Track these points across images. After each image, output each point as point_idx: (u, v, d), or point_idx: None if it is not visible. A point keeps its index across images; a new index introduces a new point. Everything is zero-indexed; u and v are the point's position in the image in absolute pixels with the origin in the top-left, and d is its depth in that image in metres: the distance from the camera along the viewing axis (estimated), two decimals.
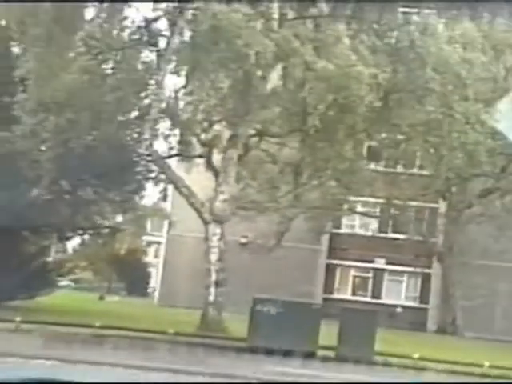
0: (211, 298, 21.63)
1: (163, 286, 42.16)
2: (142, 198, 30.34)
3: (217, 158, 24.14)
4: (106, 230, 30.89)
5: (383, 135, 27.50)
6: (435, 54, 20.47)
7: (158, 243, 49.00)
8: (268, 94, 22.12)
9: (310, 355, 18.86)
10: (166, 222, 41.80)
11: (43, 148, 24.38)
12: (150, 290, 56.92)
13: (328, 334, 19.57)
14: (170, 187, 37.72)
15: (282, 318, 19.49)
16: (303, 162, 24.48)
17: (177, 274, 40.32)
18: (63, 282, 52.95)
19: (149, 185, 31.53)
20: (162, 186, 31.38)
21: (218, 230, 21.94)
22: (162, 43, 22.78)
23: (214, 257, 21.74)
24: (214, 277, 21.69)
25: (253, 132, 24.04)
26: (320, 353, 19.42)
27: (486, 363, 18.88)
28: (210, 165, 24.12)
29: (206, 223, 22.15)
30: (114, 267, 54.82)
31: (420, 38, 20.54)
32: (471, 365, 18.92)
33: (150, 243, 62.76)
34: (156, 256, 58.28)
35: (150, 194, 35.54)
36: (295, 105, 21.96)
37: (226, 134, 23.95)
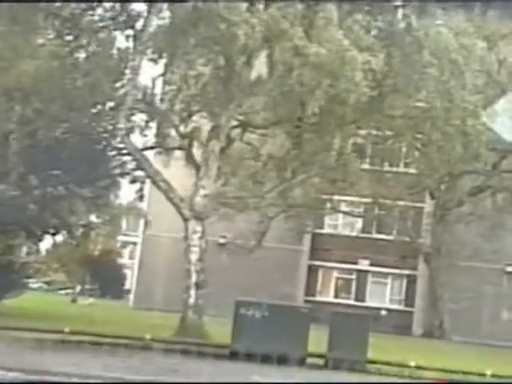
0: (191, 301, 20.04)
1: (139, 288, 40.52)
2: (116, 194, 28.71)
3: (197, 151, 22.49)
4: (79, 229, 29.05)
5: (371, 130, 26.10)
6: (433, 38, 19.06)
7: (134, 243, 47.30)
8: (253, 82, 20.60)
9: (298, 363, 17.38)
10: (141, 222, 40.15)
11: (8, 140, 22.58)
12: (125, 292, 55.29)
13: (317, 339, 18.07)
14: (147, 186, 36.47)
15: (268, 323, 17.98)
16: (289, 156, 22.93)
17: (153, 275, 38.72)
18: (35, 284, 51.33)
19: (124, 182, 29.98)
20: (137, 181, 29.91)
21: (199, 228, 20.35)
22: (139, 25, 21.04)
23: (194, 256, 20.15)
24: (194, 278, 20.10)
25: (236, 123, 22.44)
26: (309, 360, 17.90)
27: (488, 372, 17.51)
28: (190, 158, 22.50)
29: (185, 220, 20.56)
30: (88, 268, 53.26)
31: (417, 21, 19.12)
32: (472, 374, 17.51)
33: (125, 244, 61.18)
34: (131, 257, 57.06)
35: (126, 192, 34.02)
36: (282, 94, 20.39)
37: (207, 125, 22.36)
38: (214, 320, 21.32)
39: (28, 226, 26.88)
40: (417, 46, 18.91)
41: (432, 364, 17.89)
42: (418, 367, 17.62)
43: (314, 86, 18.75)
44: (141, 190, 31.38)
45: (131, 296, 43.29)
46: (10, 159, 22.64)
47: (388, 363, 17.98)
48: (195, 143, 22.34)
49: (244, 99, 20.92)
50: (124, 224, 44.55)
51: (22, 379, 11.75)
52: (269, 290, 34.98)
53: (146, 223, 37.33)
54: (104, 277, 55.12)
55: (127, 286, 57.31)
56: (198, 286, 20.17)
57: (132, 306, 39.31)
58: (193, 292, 20.07)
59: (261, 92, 20.61)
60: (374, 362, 17.92)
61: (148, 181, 35.64)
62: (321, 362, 18.02)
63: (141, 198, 32.95)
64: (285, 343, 17.56)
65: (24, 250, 34.06)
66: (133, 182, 29.14)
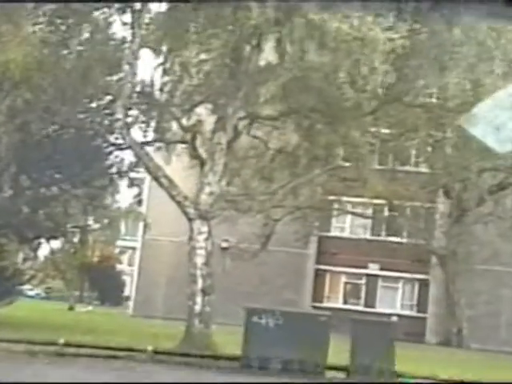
0: (197, 308, 18.19)
1: (138, 295, 38.67)
2: (113, 194, 26.93)
3: (202, 145, 20.69)
4: (76, 234, 27.21)
5: (380, 127, 24.33)
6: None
7: (133, 248, 45.53)
8: (262, 69, 18.81)
9: (317, 375, 15.63)
10: (140, 226, 38.34)
11: None
12: (124, 299, 53.71)
13: (337, 350, 16.31)
14: (145, 189, 34.82)
15: (283, 332, 16.22)
16: (299, 150, 21.14)
17: (153, 281, 36.86)
18: (31, 292, 49.64)
19: (122, 185, 28.33)
20: (135, 184, 28.26)
21: (205, 228, 18.54)
22: (137, 9, 19.25)
23: (199, 260, 18.33)
24: (200, 283, 18.27)
25: (243, 115, 20.64)
26: (330, 373, 16.13)
27: None
28: (194, 152, 20.67)
29: (189, 220, 18.75)
30: (87, 275, 51.89)
31: None
32: None
33: (124, 249, 59.53)
34: (130, 262, 55.56)
35: (124, 196, 32.32)
36: (294, 80, 18.60)
37: (211, 117, 20.58)
38: (220, 328, 19.57)
39: (20, 230, 25.08)
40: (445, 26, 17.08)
41: (466, 376, 16.10)
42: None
43: (330, 70, 16.97)
44: (139, 194, 29.79)
45: (130, 303, 41.45)
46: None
47: (417, 376, 16.18)
48: (199, 137, 20.51)
49: (253, 88, 19.07)
50: (123, 228, 42.80)
51: None
52: (273, 295, 33.39)
53: (146, 226, 35.49)
54: (102, 283, 53.78)
55: (126, 292, 55.76)
56: (204, 292, 18.35)
57: (131, 314, 37.50)
58: (199, 299, 18.25)
59: (271, 79, 18.76)
60: (401, 376, 16.14)
61: (147, 182, 34.62)
62: (342, 375, 16.26)
63: (139, 202, 31.36)
64: (302, 353, 15.83)
65: (21, 256, 32.33)
66: (131, 185, 27.54)
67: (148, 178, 38.06)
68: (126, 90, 19.51)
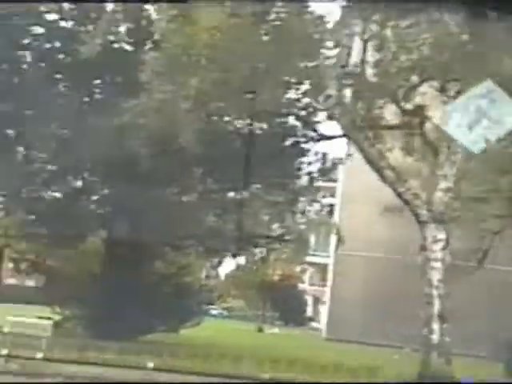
0: (434, 338, 14.00)
1: (331, 316, 34.97)
2: (314, 198, 22.91)
3: (431, 130, 16.45)
4: (262, 245, 23.54)
5: None
6: None
7: (317, 264, 42.25)
8: None
9: None
10: (332, 239, 34.53)
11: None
12: (306, 320, 50.59)
13: None
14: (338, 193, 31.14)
15: None
16: None
17: (347, 300, 33.06)
18: (214, 311, 47.49)
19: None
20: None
21: (442, 235, 14.37)
22: None
23: (436, 275, 14.25)
24: (437, 306, 14.09)
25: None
26: None
27: None
28: (424, 140, 16.47)
29: (421, 223, 14.65)
30: (268, 294, 49.07)
31: None
32: None
33: (306, 266, 56.44)
34: (312, 281, 52.75)
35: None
36: None
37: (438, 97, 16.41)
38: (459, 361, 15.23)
39: (205, 241, 21.97)
40: None
41: None
42: None
43: None
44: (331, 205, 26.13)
45: (321, 325, 38.57)
46: (179, 154, 17.87)
47: None
48: (426, 121, 16.36)
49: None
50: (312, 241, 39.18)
51: None
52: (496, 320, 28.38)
53: (339, 240, 31.55)
54: (284, 303, 50.77)
55: (308, 312, 52.79)
56: (441, 317, 14.15)
57: (325, 337, 33.84)
58: (436, 326, 14.07)
59: None
60: None
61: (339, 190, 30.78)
62: None
63: (330, 211, 27.69)
64: None
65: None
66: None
67: (340, 184, 34.88)
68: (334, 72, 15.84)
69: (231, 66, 16.39)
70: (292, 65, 18.09)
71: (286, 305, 50.84)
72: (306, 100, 19.36)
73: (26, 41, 20.42)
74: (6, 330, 16.65)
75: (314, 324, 44.89)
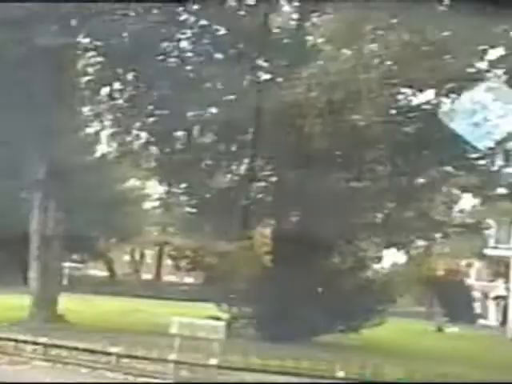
0: None
1: None
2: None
3: None
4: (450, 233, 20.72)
5: None
6: None
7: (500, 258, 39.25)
8: None
9: None
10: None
11: None
12: (476, 317, 47.60)
13: None
14: None
15: None
16: None
17: None
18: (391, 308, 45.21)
19: None
20: None
21: None
22: None
23: None
24: None
25: None
26: None
27: None
28: None
29: None
30: (433, 290, 46.54)
31: None
32: None
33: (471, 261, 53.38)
34: (478, 276, 49.63)
35: None
36: None
37: None
38: None
39: (385, 231, 19.65)
40: None
41: None
42: None
43: None
44: None
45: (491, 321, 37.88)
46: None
47: None
48: None
49: None
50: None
51: None
52: None
53: None
54: (452, 299, 48.12)
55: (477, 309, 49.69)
56: None
57: (510, 338, 30.63)
58: None
59: None
60: None
61: None
62: None
63: None
64: None
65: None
66: None
67: None
68: None
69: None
70: (487, 31, 15.52)
71: (454, 301, 48.19)
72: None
73: None
74: (173, 331, 14.85)
75: (482, 321, 42.98)
